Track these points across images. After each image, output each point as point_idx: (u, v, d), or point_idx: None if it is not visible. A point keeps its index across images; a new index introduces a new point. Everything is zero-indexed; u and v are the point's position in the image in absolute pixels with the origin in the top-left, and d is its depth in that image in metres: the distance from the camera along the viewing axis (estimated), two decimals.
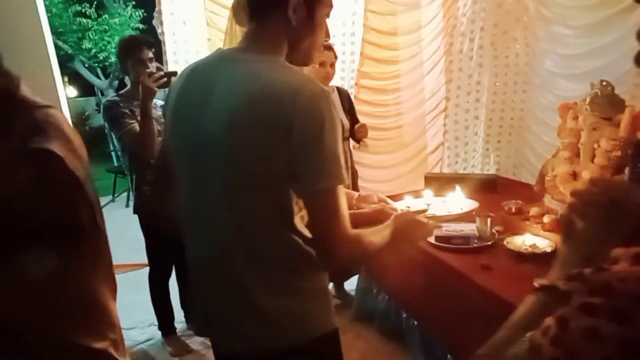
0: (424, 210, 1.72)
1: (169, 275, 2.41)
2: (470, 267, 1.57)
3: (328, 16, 0.98)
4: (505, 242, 1.65)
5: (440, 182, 2.54)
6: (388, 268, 2.20)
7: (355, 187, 2.64)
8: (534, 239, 1.65)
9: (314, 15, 0.93)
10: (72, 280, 0.92)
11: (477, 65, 3.29)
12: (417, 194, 2.04)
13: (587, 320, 0.46)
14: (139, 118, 2.02)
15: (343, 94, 2.60)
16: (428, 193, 1.98)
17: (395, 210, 1.34)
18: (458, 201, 1.96)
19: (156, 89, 1.95)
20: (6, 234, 0.81)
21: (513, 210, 1.98)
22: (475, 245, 1.71)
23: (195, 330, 1.13)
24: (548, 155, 2.22)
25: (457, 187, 2.05)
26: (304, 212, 0.93)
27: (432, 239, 1.78)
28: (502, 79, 3.28)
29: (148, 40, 2.17)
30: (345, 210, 0.88)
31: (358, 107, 2.92)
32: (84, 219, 0.91)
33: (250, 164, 0.86)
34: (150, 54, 2.12)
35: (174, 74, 1.99)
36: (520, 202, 2.00)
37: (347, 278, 2.71)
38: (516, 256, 1.58)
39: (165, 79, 1.95)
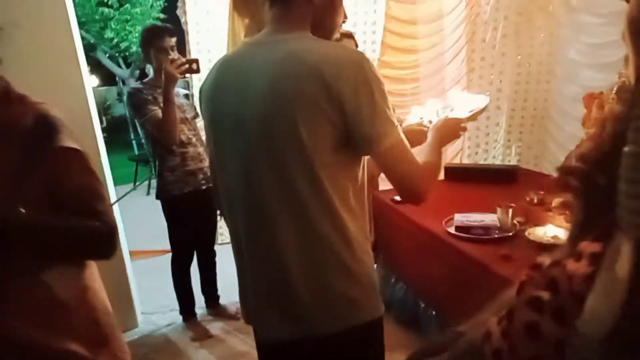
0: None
1: (191, 261, 2.45)
2: (490, 258, 1.56)
3: None
4: (526, 233, 1.64)
5: (460, 172, 2.52)
6: (406, 257, 2.21)
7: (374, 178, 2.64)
8: (556, 230, 1.64)
9: None
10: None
11: (499, 55, 3.24)
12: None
13: (531, 314, 0.44)
14: (161, 105, 2.06)
15: None
16: (430, 101, 1.87)
17: (420, 125, 1.36)
18: (467, 99, 1.83)
19: (178, 75, 1.98)
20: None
21: (535, 201, 1.97)
22: (496, 235, 1.70)
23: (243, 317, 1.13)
24: (571, 146, 2.19)
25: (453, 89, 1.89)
26: (354, 190, 0.96)
27: (452, 229, 1.77)
28: (525, 69, 3.22)
29: (170, 28, 2.20)
30: (411, 154, 0.94)
31: None
32: (112, 216, 0.93)
33: (301, 140, 0.88)
34: (173, 42, 2.15)
35: (196, 61, 2.02)
36: (542, 193, 1.98)
37: None
38: (537, 247, 1.57)
39: (187, 66, 1.98)
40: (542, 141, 3.35)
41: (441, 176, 2.57)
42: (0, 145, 0.82)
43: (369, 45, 3.14)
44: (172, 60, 1.97)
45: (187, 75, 2.14)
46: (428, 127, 1.20)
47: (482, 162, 3.50)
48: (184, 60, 2.00)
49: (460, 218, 1.81)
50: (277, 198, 0.92)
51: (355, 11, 3.03)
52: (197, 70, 2.04)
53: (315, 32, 0.96)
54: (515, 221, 1.76)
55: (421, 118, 1.40)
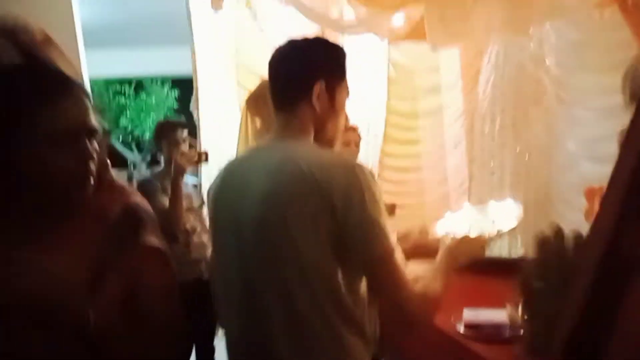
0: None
1: (189, 356, 2.35)
2: (504, 358, 1.49)
3: (347, 99, 1.07)
4: None
5: (473, 262, 2.48)
6: (414, 355, 2.10)
7: None
8: None
9: (335, 100, 1.01)
10: None
11: (499, 146, 3.34)
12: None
13: None
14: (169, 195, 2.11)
15: None
16: (467, 206, 1.78)
17: (440, 240, 1.28)
18: (504, 210, 1.74)
19: (187, 166, 2.05)
20: None
21: None
22: (507, 335, 1.63)
23: None
24: None
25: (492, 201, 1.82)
26: (353, 297, 0.92)
27: (461, 329, 1.71)
28: (525, 160, 3.30)
29: (182, 122, 2.34)
30: (403, 275, 0.90)
31: (382, 186, 2.97)
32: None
33: (296, 246, 0.88)
34: (184, 134, 2.26)
35: (205, 153, 2.10)
36: None
37: None
38: None
39: (196, 158, 2.06)
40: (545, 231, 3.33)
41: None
42: (85, 233, 0.79)
43: (372, 137, 3.26)
44: (183, 153, 2.06)
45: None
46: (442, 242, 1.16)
47: (488, 253, 3.45)
48: (194, 153, 2.09)
49: (469, 315, 1.75)
50: (272, 303, 0.91)
51: (357, 106, 3.19)
52: (206, 161, 2.11)
53: (318, 137, 1.01)
54: (525, 317, 1.69)
55: (448, 232, 1.33)
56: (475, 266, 2.37)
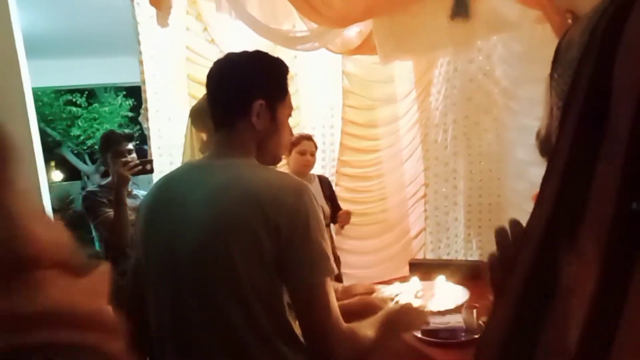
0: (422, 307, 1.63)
1: None
2: None
3: (290, 116, 1.04)
4: None
5: (424, 268, 2.52)
6: None
7: (338, 274, 2.62)
8: None
9: (276, 118, 0.98)
10: None
11: (452, 154, 3.44)
12: (403, 279, 1.99)
13: None
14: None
15: (324, 182, 2.68)
16: (415, 280, 1.95)
17: (384, 300, 1.31)
18: (448, 291, 1.91)
19: (130, 176, 1.99)
20: None
21: None
22: (462, 339, 1.66)
23: None
24: None
25: (442, 276, 2.02)
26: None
27: (418, 333, 1.73)
28: (477, 167, 3.41)
29: (127, 134, 2.27)
30: (335, 305, 0.87)
31: (340, 194, 2.98)
32: None
33: (236, 269, 0.84)
34: (130, 146, 2.20)
35: (150, 161, 2.06)
36: None
37: None
38: None
39: (140, 167, 2.01)
40: None
41: (406, 272, 2.56)
42: None
43: (327, 146, 3.29)
44: (125, 163, 2.00)
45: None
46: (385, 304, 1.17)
47: (445, 256, 3.54)
48: (137, 161, 2.04)
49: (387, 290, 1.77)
50: (209, 332, 0.87)
51: (313, 116, 3.21)
52: (151, 171, 2.06)
53: (260, 155, 0.98)
54: (480, 322, 1.73)
55: (396, 295, 1.40)
56: (434, 269, 2.43)
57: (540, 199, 0.42)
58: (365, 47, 2.76)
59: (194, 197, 0.90)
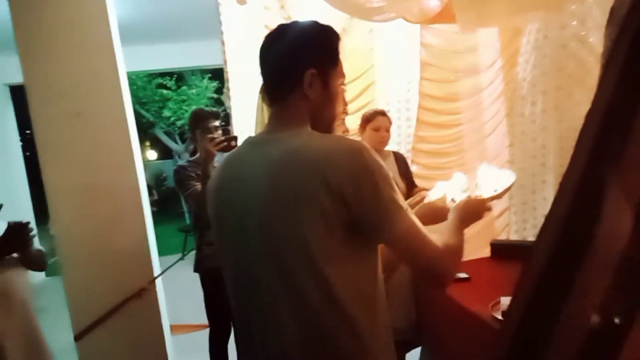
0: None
1: (228, 337, 2.43)
2: None
3: (343, 85, 1.03)
4: None
5: (507, 249, 2.42)
6: (452, 343, 2.08)
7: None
8: None
9: (328, 87, 0.97)
10: None
11: (541, 129, 3.20)
12: (483, 260, 1.92)
13: None
14: None
15: (399, 158, 2.63)
16: (457, 175, 1.81)
17: (443, 200, 1.29)
18: (492, 176, 1.75)
19: (216, 151, 2.09)
20: None
21: None
22: None
23: None
24: None
25: (485, 163, 1.83)
26: (368, 281, 0.93)
27: (498, 315, 1.68)
28: (569, 143, 3.15)
29: (215, 112, 2.39)
30: (425, 234, 0.91)
31: (416, 171, 2.92)
32: None
33: (304, 238, 0.86)
34: (217, 123, 2.31)
35: (235, 138, 2.14)
36: None
37: (408, 350, 2.59)
38: None
39: (225, 143, 2.09)
40: None
41: (487, 253, 2.48)
42: None
43: (403, 121, 3.21)
44: (212, 139, 2.11)
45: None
46: (449, 206, 1.17)
47: (530, 237, 3.35)
48: (222, 138, 2.13)
49: (507, 302, 1.71)
50: (280, 296, 0.90)
51: (389, 91, 3.14)
52: (236, 147, 2.15)
53: (315, 125, 0.97)
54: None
55: (443, 195, 1.39)
56: (519, 251, 2.32)
57: (575, 149, 0.44)
58: (444, 15, 2.62)
59: (256, 171, 0.92)
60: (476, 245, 3.13)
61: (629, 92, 0.39)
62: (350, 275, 0.89)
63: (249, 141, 1.04)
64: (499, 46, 3.13)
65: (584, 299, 0.43)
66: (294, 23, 1.01)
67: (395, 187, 0.89)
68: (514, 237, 3.38)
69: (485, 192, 1.31)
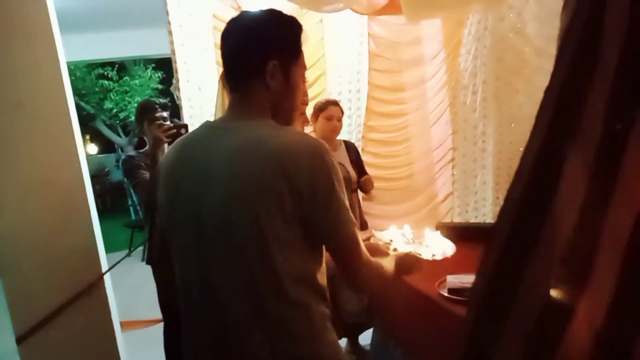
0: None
1: None
2: None
3: (304, 77, 1.04)
4: None
5: (451, 231, 2.54)
6: (402, 321, 2.18)
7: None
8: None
9: (290, 78, 0.98)
10: None
11: (481, 117, 3.38)
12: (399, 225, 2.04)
13: None
14: None
15: (350, 147, 2.70)
16: (407, 227, 1.97)
17: (386, 246, 1.41)
18: (437, 242, 1.92)
19: (165, 138, 2.06)
20: None
21: None
22: None
23: None
24: None
25: (429, 229, 2.01)
26: (318, 270, 0.96)
27: (445, 292, 1.77)
28: (507, 129, 3.35)
29: (163, 103, 2.34)
30: (363, 246, 0.96)
31: (366, 160, 3.00)
32: None
33: (260, 227, 0.86)
34: (165, 114, 2.26)
35: (185, 126, 2.12)
36: None
37: (361, 332, 2.68)
38: None
39: (174, 130, 2.07)
40: None
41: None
42: None
43: (354, 111, 3.28)
44: (160, 125, 2.07)
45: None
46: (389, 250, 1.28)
47: (472, 220, 3.54)
48: (172, 125, 2.09)
49: (452, 280, 1.80)
50: (233, 284, 0.91)
51: (340, 81, 3.20)
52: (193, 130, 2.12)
53: (275, 115, 0.98)
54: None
55: (391, 240, 1.52)
56: (462, 232, 2.46)
57: (534, 127, 0.47)
58: (391, 6, 2.70)
59: (215, 157, 0.92)
60: (423, 229, 3.27)
61: (582, 71, 0.43)
62: (300, 267, 0.92)
63: (208, 125, 1.03)
64: (442, 38, 3.26)
65: (539, 275, 0.47)
66: (258, 12, 0.99)
67: (345, 192, 0.92)
68: (457, 219, 3.57)
69: (424, 254, 1.43)
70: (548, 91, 0.47)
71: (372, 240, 1.48)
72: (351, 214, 0.93)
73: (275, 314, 0.90)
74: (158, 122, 2.13)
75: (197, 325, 0.99)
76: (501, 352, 0.50)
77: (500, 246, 0.52)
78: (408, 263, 1.21)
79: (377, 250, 1.26)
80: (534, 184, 0.49)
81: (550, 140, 0.45)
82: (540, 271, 0.46)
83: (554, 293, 0.46)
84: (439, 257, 1.47)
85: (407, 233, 1.67)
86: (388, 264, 1.09)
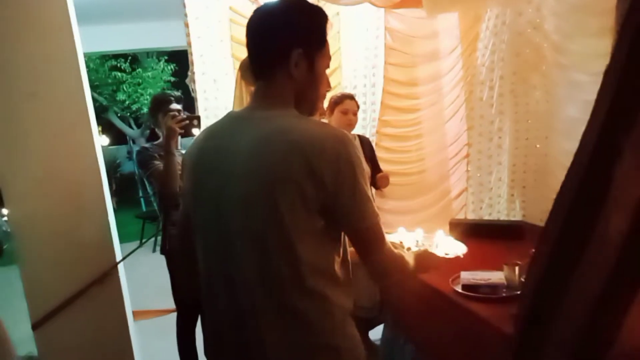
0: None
1: (196, 321, 2.42)
2: (499, 317, 1.53)
3: (328, 67, 1.04)
4: None
5: (464, 228, 2.53)
6: (414, 316, 2.17)
7: None
8: None
9: (314, 68, 0.98)
10: None
11: (497, 113, 3.33)
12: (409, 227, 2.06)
13: None
14: None
15: (364, 142, 2.68)
16: (419, 230, 1.98)
17: (399, 246, 1.42)
18: (448, 244, 1.94)
19: (178, 129, 2.07)
20: None
21: None
22: (504, 294, 1.68)
23: None
24: None
25: (441, 231, 2.02)
26: (338, 261, 0.96)
27: (459, 288, 1.76)
28: (524, 125, 3.30)
29: (177, 95, 2.36)
30: (385, 237, 0.97)
31: (380, 154, 2.99)
32: None
33: (282, 217, 0.86)
34: (179, 107, 2.27)
35: (197, 117, 2.14)
36: None
37: (372, 327, 2.67)
38: None
39: (187, 121, 2.08)
40: (546, 196, 3.35)
41: (446, 231, 2.58)
42: None
43: (369, 105, 3.26)
44: (174, 116, 2.08)
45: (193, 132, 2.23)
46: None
47: (486, 217, 3.50)
48: (185, 116, 2.10)
49: (466, 276, 1.79)
50: (255, 274, 0.91)
51: (355, 75, 3.18)
52: (198, 126, 2.14)
53: (299, 104, 0.98)
54: (522, 279, 1.74)
55: (400, 241, 1.52)
56: (476, 229, 2.43)
57: (592, 116, 0.46)
58: (409, 0, 2.67)
59: (238, 147, 0.92)
60: (436, 225, 3.24)
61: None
62: (321, 257, 0.92)
63: (232, 115, 1.03)
64: (459, 32, 3.22)
65: (590, 273, 0.46)
66: (283, 1, 0.99)
67: (368, 183, 0.94)
68: (471, 216, 3.53)
69: (437, 253, 1.43)
70: (607, 75, 0.46)
71: None
72: (374, 205, 0.93)
73: (294, 303, 0.90)
74: (172, 113, 2.14)
75: (216, 313, 1.01)
76: (550, 356, 0.49)
77: (550, 248, 0.51)
78: (427, 260, 1.20)
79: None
80: (586, 183, 0.47)
81: (606, 134, 0.45)
82: (590, 275, 0.45)
83: (604, 297, 0.45)
84: (451, 255, 1.47)
85: (418, 236, 1.67)
86: (408, 257, 1.09)
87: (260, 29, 0.97)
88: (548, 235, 0.51)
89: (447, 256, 1.47)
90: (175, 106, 2.27)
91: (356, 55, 3.13)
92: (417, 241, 1.78)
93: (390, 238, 1.44)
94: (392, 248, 0.99)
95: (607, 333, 0.43)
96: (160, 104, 2.31)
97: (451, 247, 1.60)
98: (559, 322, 0.48)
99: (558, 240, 0.50)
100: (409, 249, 1.38)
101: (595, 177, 0.46)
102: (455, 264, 1.95)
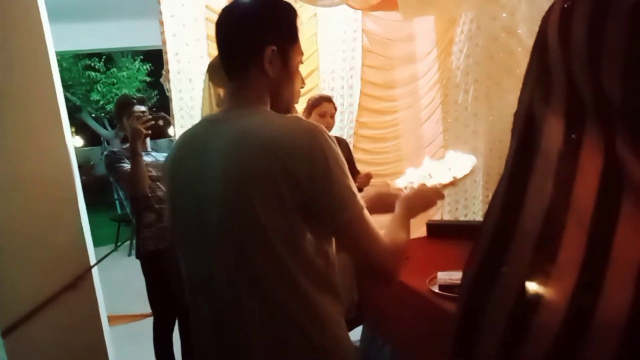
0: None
1: (173, 325, 2.39)
2: None
3: (302, 62, 1.02)
4: None
5: (441, 228, 2.56)
6: (392, 317, 2.19)
7: None
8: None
9: (288, 64, 0.96)
10: None
11: (472, 115, 3.40)
12: (420, 239, 2.04)
13: None
14: None
15: (342, 144, 2.69)
16: (426, 160, 1.87)
17: (399, 189, 1.31)
18: (458, 161, 1.82)
19: (143, 130, 2.05)
20: None
21: None
22: None
23: None
24: None
25: (451, 150, 1.91)
26: (325, 261, 0.92)
27: (436, 288, 1.78)
28: (498, 128, 3.38)
29: (141, 97, 2.35)
30: (374, 230, 0.89)
31: (357, 156, 3.01)
32: None
33: (259, 219, 0.85)
34: (143, 108, 2.25)
35: (162, 117, 2.11)
36: None
37: (350, 329, 2.68)
38: None
39: (153, 122, 2.07)
40: None
41: (423, 233, 2.61)
42: None
43: (346, 107, 3.28)
44: (138, 117, 2.06)
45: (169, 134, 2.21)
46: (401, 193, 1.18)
47: (462, 217, 3.56)
48: (150, 117, 2.09)
49: (443, 276, 1.81)
50: (239, 279, 0.89)
51: (333, 77, 3.20)
52: (164, 125, 2.12)
53: (274, 103, 0.97)
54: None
55: (411, 182, 1.42)
56: (452, 230, 2.47)
57: (511, 140, 0.60)
58: (386, 2, 2.70)
59: (212, 150, 0.90)
60: (413, 226, 3.27)
61: (540, 95, 0.54)
62: (305, 257, 0.89)
63: (207, 119, 1.02)
64: (435, 36, 3.27)
65: (513, 266, 0.52)
66: None
67: (349, 174, 0.88)
68: (447, 217, 3.59)
69: (442, 179, 1.33)
70: (516, 116, 0.60)
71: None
72: (358, 197, 0.88)
73: (278, 305, 0.88)
74: (136, 114, 2.11)
75: (199, 316, 0.99)
76: (482, 344, 0.53)
77: (485, 242, 0.57)
78: (420, 201, 1.15)
79: (386, 197, 1.21)
80: (511, 186, 0.57)
81: (521, 151, 0.57)
82: (515, 262, 0.52)
83: (528, 283, 0.51)
84: (459, 174, 1.35)
85: (426, 166, 1.55)
86: (398, 225, 1.02)
87: (232, 28, 0.94)
88: (484, 230, 0.58)
89: (455, 178, 1.33)
90: (139, 108, 2.24)
91: (334, 57, 3.15)
92: (424, 174, 1.66)
93: (397, 184, 1.37)
94: (384, 239, 0.90)
95: (528, 319, 0.49)
96: (123, 107, 2.29)
97: (458, 166, 1.47)
98: (488, 311, 0.54)
99: (492, 235, 0.57)
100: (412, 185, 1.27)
101: (517, 180, 0.56)
102: (432, 264, 1.98)
